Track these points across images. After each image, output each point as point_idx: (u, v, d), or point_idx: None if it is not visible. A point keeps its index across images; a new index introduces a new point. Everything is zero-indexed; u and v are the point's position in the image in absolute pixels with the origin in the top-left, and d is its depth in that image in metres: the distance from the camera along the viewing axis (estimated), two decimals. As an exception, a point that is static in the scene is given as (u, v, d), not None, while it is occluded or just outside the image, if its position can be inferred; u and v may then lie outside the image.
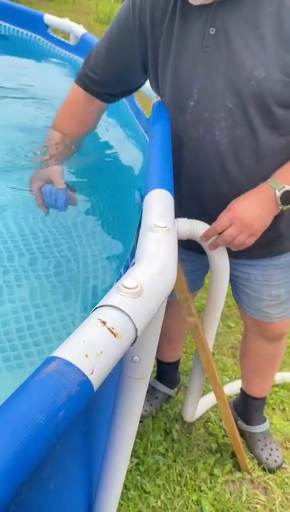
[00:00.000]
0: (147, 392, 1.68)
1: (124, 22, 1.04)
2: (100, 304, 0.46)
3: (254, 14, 0.89)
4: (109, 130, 1.54)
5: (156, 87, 1.09)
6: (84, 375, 0.38)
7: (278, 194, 0.96)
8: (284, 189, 0.96)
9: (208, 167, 1.03)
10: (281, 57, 0.89)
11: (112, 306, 0.45)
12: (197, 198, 1.08)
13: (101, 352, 0.40)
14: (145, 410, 1.60)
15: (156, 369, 1.69)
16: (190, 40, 0.95)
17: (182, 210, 1.03)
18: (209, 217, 1.00)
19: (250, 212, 0.96)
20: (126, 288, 0.47)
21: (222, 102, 0.95)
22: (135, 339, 0.46)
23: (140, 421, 1.58)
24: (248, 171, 1.00)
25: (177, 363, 1.68)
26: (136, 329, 0.45)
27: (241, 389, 1.59)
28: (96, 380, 0.39)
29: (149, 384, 1.67)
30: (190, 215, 1.00)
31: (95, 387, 0.39)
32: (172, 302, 1.08)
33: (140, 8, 1.00)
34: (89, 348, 0.40)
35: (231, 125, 0.96)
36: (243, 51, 0.90)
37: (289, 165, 0.99)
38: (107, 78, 1.13)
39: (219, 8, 0.91)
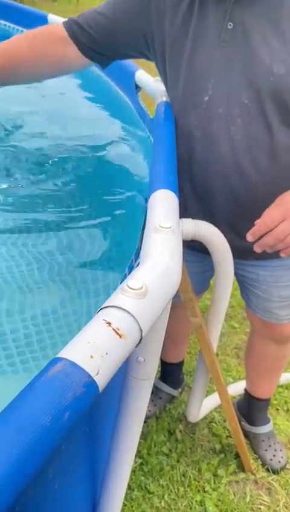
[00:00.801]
0: (151, 392, 1.68)
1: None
2: (105, 304, 0.46)
3: (273, 9, 0.88)
4: (112, 130, 1.55)
5: (164, 78, 1.06)
6: (89, 376, 0.38)
7: None
8: None
9: (221, 163, 0.99)
10: None
11: (117, 307, 0.45)
12: (206, 196, 1.06)
13: (107, 353, 0.40)
14: (149, 411, 1.60)
15: (159, 369, 1.69)
16: (206, 34, 0.94)
17: (187, 211, 1.03)
18: (216, 217, 1.00)
19: None
20: (131, 289, 0.46)
21: (238, 98, 0.93)
22: (140, 340, 0.45)
23: (144, 422, 1.58)
24: (262, 168, 0.97)
25: (181, 363, 1.68)
26: (141, 330, 0.44)
27: (245, 390, 1.59)
28: (101, 381, 0.39)
29: (153, 385, 1.66)
30: (196, 217, 1.00)
31: (101, 388, 0.39)
32: (176, 304, 1.08)
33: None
34: (94, 349, 0.40)
35: (247, 122, 0.94)
36: (262, 46, 0.89)
37: None
38: (100, 35, 1.04)
39: (238, 3, 0.90)
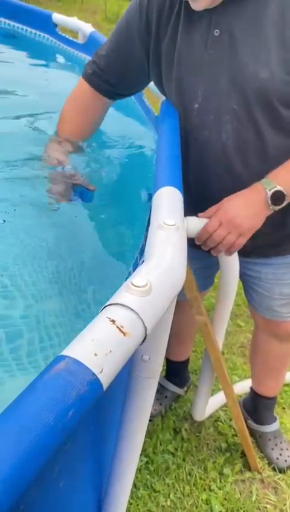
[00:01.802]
0: (157, 391, 1.67)
1: (131, 20, 1.05)
2: (109, 302, 0.45)
3: (257, 14, 0.89)
4: (117, 127, 1.54)
5: (161, 89, 1.10)
6: (93, 374, 0.37)
7: (269, 194, 0.93)
8: (275, 189, 0.93)
9: (215, 168, 1.03)
10: (284, 57, 0.88)
11: (121, 304, 0.44)
12: (205, 198, 1.07)
13: (110, 351, 0.40)
14: (155, 409, 1.60)
15: (165, 368, 1.69)
16: (193, 42, 0.96)
17: (191, 209, 1.02)
18: None
19: (239, 212, 0.93)
20: (135, 286, 0.46)
21: (227, 104, 0.95)
22: (145, 338, 0.45)
23: (149, 420, 1.57)
24: (255, 172, 0.99)
25: (186, 362, 1.68)
26: (145, 328, 0.44)
27: (251, 388, 1.58)
28: (105, 378, 0.39)
29: (158, 383, 1.66)
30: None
31: (104, 386, 0.39)
32: (182, 302, 1.08)
33: (148, 8, 1.01)
34: (98, 347, 0.40)
35: (237, 127, 0.97)
36: (247, 52, 0.90)
37: (285, 165, 0.97)
38: (112, 75, 1.14)
39: (223, 10, 0.91)
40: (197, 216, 0.98)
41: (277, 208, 0.95)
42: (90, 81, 1.17)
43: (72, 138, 1.23)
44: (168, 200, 0.68)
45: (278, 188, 0.93)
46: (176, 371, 1.67)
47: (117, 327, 0.42)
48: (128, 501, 1.33)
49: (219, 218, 0.93)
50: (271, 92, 0.91)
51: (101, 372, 0.38)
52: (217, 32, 0.92)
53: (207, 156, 1.02)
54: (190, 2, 0.91)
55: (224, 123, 0.97)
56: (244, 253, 1.09)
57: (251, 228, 0.95)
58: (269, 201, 0.93)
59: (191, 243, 0.96)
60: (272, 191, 0.93)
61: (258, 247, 1.13)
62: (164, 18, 0.99)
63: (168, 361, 1.66)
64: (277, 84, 0.90)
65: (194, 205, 1.03)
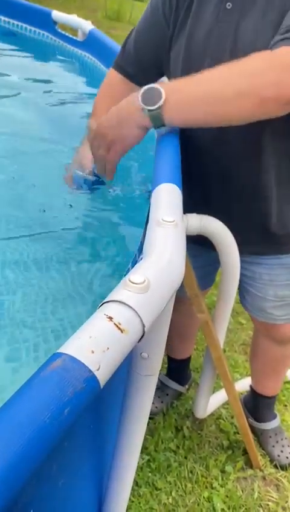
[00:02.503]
0: (158, 389, 1.68)
1: (155, 3, 1.05)
2: (107, 299, 0.45)
3: None
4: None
5: (167, 69, 1.08)
6: (90, 371, 0.37)
7: (141, 91, 0.80)
8: (148, 86, 0.80)
9: (213, 158, 1.01)
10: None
11: (118, 301, 0.44)
12: (205, 190, 1.07)
13: (108, 348, 0.40)
14: (156, 407, 1.60)
15: (166, 366, 1.68)
16: (206, 14, 0.95)
17: (190, 207, 1.02)
18: (217, 210, 0.99)
19: (108, 121, 0.85)
20: (133, 283, 0.46)
21: None
22: (143, 335, 0.45)
23: (151, 418, 1.58)
24: (251, 149, 0.97)
25: (188, 359, 1.67)
26: (143, 325, 0.44)
27: (250, 387, 1.58)
28: (102, 376, 0.38)
29: (160, 381, 1.66)
30: (199, 210, 0.99)
31: (102, 384, 0.38)
32: (183, 299, 1.08)
33: None
34: (95, 344, 0.39)
35: None
36: (250, 26, 0.90)
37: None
38: (142, 60, 1.12)
39: None
40: (207, 211, 0.96)
41: (150, 108, 0.79)
42: (119, 67, 1.15)
43: None
44: (167, 197, 0.68)
45: (154, 85, 0.79)
46: (177, 369, 1.67)
47: (114, 324, 0.42)
48: (130, 499, 1.33)
49: (94, 133, 0.88)
50: None
51: (98, 369, 0.38)
52: (229, 5, 0.92)
53: (208, 141, 1.00)
54: None
55: None
56: (241, 250, 1.08)
57: (118, 137, 0.85)
58: (140, 99, 0.80)
59: (193, 240, 0.96)
60: (146, 87, 0.80)
61: (251, 244, 1.12)
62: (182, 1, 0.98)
63: (170, 359, 1.65)
64: None
65: (194, 204, 1.03)
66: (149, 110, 0.80)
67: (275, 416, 1.56)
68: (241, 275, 1.22)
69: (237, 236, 0.96)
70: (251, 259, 1.18)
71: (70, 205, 1.10)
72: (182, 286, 0.84)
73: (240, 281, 1.25)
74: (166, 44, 1.06)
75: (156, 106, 0.79)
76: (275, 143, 0.99)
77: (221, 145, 1.00)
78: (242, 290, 1.28)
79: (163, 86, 0.80)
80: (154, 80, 1.20)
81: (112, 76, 1.18)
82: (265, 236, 1.11)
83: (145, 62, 1.13)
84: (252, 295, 1.24)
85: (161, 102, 0.79)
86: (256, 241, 1.12)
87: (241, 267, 1.20)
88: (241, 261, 1.17)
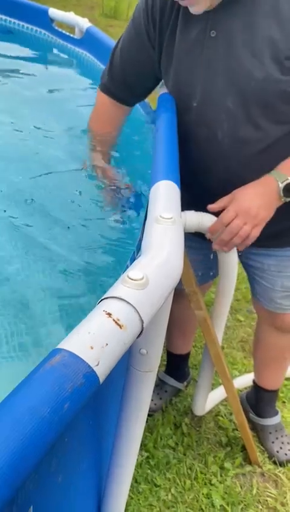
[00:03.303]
0: (157, 386, 1.69)
1: (138, 21, 1.07)
2: (105, 295, 0.45)
3: (252, 15, 0.90)
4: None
5: (167, 86, 1.12)
6: (89, 367, 0.37)
7: (281, 185, 0.95)
8: (287, 181, 0.95)
9: (214, 166, 1.05)
10: (278, 57, 0.90)
11: (117, 298, 0.44)
12: (205, 194, 1.08)
13: (107, 344, 0.40)
14: (155, 404, 1.60)
15: (165, 363, 1.69)
16: (191, 43, 0.97)
17: (191, 207, 1.03)
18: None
19: (253, 202, 0.95)
20: (131, 279, 0.46)
21: (224, 103, 0.97)
22: (141, 331, 0.45)
23: (150, 415, 1.58)
24: (253, 170, 1.00)
25: (187, 355, 1.68)
26: (141, 321, 0.44)
27: (253, 381, 1.59)
28: (101, 371, 0.38)
29: (159, 378, 1.67)
30: (201, 209, 1.00)
31: (101, 379, 0.39)
32: (184, 292, 1.09)
33: (153, 7, 1.02)
34: (94, 340, 0.40)
35: (233, 126, 0.98)
36: (242, 53, 0.92)
37: None
38: (128, 81, 1.16)
39: (219, 11, 0.93)
40: (206, 209, 0.98)
41: (289, 199, 0.97)
42: (108, 91, 1.20)
43: (110, 151, 1.27)
44: (165, 194, 0.68)
45: None
46: (176, 365, 1.68)
47: (113, 320, 0.42)
48: (129, 495, 1.33)
49: (235, 209, 0.95)
50: (267, 91, 0.93)
51: (97, 365, 0.38)
52: (213, 33, 0.94)
53: (206, 154, 1.05)
54: (189, 7, 0.92)
55: (221, 121, 0.99)
56: (251, 244, 1.10)
57: (265, 218, 0.96)
58: (281, 193, 0.96)
59: (194, 233, 0.97)
60: (285, 183, 0.95)
61: (261, 238, 1.13)
62: (165, 16, 1.01)
63: (169, 355, 1.66)
64: (272, 83, 0.91)
65: (195, 203, 1.03)
66: (288, 199, 0.97)
67: (276, 413, 1.57)
68: (250, 266, 1.26)
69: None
70: (260, 251, 1.21)
71: (72, 201, 1.11)
72: (180, 280, 0.84)
73: (250, 272, 1.29)
74: (154, 65, 1.09)
75: None
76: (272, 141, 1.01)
77: (213, 144, 1.03)
78: (252, 281, 1.31)
79: None
80: (143, 97, 1.27)
81: (102, 101, 1.22)
82: (274, 233, 1.13)
83: (135, 86, 1.17)
84: (262, 286, 1.28)
85: None
86: (262, 236, 1.14)
87: (250, 259, 1.24)
88: (250, 253, 1.22)
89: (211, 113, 0.99)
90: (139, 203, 1.09)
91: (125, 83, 1.17)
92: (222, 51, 0.94)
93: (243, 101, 0.95)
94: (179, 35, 0.99)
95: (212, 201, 1.06)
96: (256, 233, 0.97)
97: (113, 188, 1.11)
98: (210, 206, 0.98)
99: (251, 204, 0.95)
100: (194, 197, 1.01)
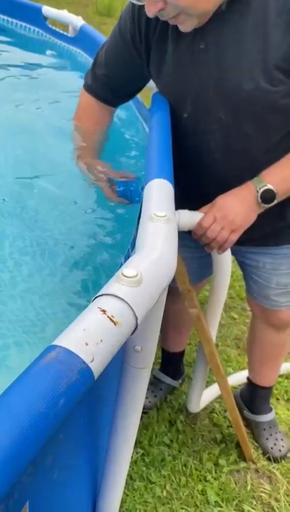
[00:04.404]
0: (152, 383, 1.69)
1: (124, 28, 1.07)
2: (100, 293, 0.46)
3: (240, 27, 0.90)
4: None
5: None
6: (84, 363, 0.38)
7: (259, 192, 0.96)
8: (265, 187, 0.96)
9: (205, 174, 1.07)
10: (267, 68, 0.90)
11: (111, 295, 0.45)
12: (200, 196, 1.09)
13: (101, 341, 0.40)
14: (150, 402, 1.61)
15: (160, 360, 1.70)
16: (180, 55, 0.97)
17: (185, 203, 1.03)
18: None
19: (232, 209, 0.96)
20: (126, 277, 0.46)
21: (215, 114, 0.98)
22: (136, 328, 0.45)
23: (145, 413, 1.58)
24: (245, 179, 1.01)
25: (182, 353, 1.69)
26: (136, 318, 0.44)
27: (247, 378, 1.60)
28: (96, 367, 0.39)
29: (154, 376, 1.67)
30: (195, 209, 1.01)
31: (96, 375, 0.39)
32: (178, 291, 1.09)
33: (139, 17, 1.02)
34: (89, 336, 0.40)
35: (225, 136, 0.99)
36: (231, 64, 0.92)
37: (276, 165, 1.00)
38: (111, 84, 1.16)
39: (209, 23, 0.92)
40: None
41: (268, 206, 0.98)
42: (92, 91, 1.20)
43: (96, 149, 1.25)
44: (158, 192, 0.69)
45: (269, 186, 0.96)
46: (171, 362, 1.68)
47: (108, 317, 0.42)
48: (125, 492, 1.34)
49: (213, 214, 0.96)
50: (257, 102, 0.93)
51: (92, 361, 0.39)
52: (202, 45, 0.94)
53: (197, 163, 1.06)
54: (179, 26, 0.92)
55: (212, 132, 1.00)
56: (239, 241, 1.10)
57: (242, 224, 0.98)
58: (259, 200, 0.96)
59: (188, 231, 0.98)
60: (262, 189, 0.96)
61: (255, 238, 1.15)
62: (151, 28, 1.01)
63: (164, 353, 1.67)
64: (262, 95, 0.92)
65: (188, 203, 1.04)
66: (267, 206, 0.98)
67: (270, 409, 1.58)
68: (246, 264, 1.27)
69: (244, 233, 0.99)
70: (254, 249, 1.22)
71: (75, 202, 1.10)
72: (174, 277, 0.85)
73: (245, 270, 1.31)
74: (140, 71, 1.09)
75: (274, 202, 0.97)
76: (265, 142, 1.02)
77: (205, 154, 1.04)
78: (248, 278, 1.33)
79: (271, 182, 0.96)
80: (127, 99, 1.26)
81: (87, 100, 1.22)
82: (271, 232, 1.14)
83: (118, 89, 1.17)
84: (257, 283, 1.29)
85: (276, 198, 0.97)
86: (262, 236, 1.16)
87: (246, 258, 1.25)
88: (246, 252, 1.23)
89: (202, 124, 1.00)
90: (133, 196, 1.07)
91: (108, 85, 1.17)
92: (211, 62, 0.94)
93: (234, 112, 0.96)
94: (168, 47, 0.99)
95: (205, 203, 1.06)
96: (233, 238, 0.98)
97: (104, 181, 1.09)
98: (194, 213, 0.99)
99: (229, 211, 0.96)
100: (188, 197, 1.02)
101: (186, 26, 0.91)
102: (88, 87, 1.21)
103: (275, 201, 0.98)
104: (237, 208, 0.97)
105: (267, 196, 0.97)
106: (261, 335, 1.44)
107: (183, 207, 0.97)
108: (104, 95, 1.19)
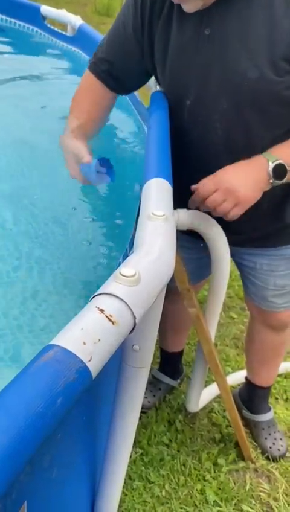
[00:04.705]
0: (151, 383, 1.69)
1: (127, 17, 1.05)
2: (98, 292, 0.46)
3: (247, 15, 0.89)
4: (107, 120, 1.53)
5: (159, 83, 1.11)
6: (82, 362, 0.38)
7: (272, 165, 0.91)
8: (278, 161, 0.91)
9: (205, 166, 1.02)
10: (273, 57, 0.89)
11: (109, 294, 0.45)
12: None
13: (99, 340, 0.40)
14: (149, 402, 1.61)
15: (159, 360, 1.69)
16: (185, 41, 0.96)
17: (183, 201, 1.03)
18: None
19: (237, 179, 0.90)
20: (124, 276, 0.46)
21: (218, 103, 0.96)
22: (134, 327, 0.45)
23: (144, 412, 1.58)
24: (248, 145, 0.98)
25: (181, 353, 1.69)
26: (134, 317, 0.44)
27: (246, 378, 1.60)
28: (94, 367, 0.39)
29: (152, 376, 1.67)
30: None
31: (94, 375, 0.39)
32: (176, 291, 1.09)
33: (142, 4, 1.01)
34: (87, 336, 0.40)
35: (227, 126, 0.97)
36: (237, 52, 0.91)
37: (284, 144, 0.96)
38: (115, 71, 1.13)
39: (214, 9, 0.91)
40: (199, 208, 0.97)
41: (278, 182, 0.92)
42: (97, 73, 1.15)
43: (85, 130, 1.17)
44: (157, 191, 0.69)
45: (281, 161, 0.91)
46: (170, 362, 1.68)
47: (106, 316, 0.42)
48: (124, 492, 1.34)
49: (215, 183, 0.91)
50: (260, 92, 0.91)
51: (90, 360, 0.38)
52: (207, 30, 0.92)
53: (198, 153, 1.03)
54: (182, 5, 0.90)
55: (214, 122, 0.98)
56: (239, 243, 1.10)
57: (248, 200, 0.91)
58: (271, 174, 0.91)
59: (187, 232, 0.97)
60: (276, 163, 0.91)
61: (254, 238, 1.14)
62: (156, 15, 0.99)
63: (163, 352, 1.66)
64: (266, 84, 0.90)
65: (186, 201, 1.04)
66: (277, 182, 0.91)
67: (269, 409, 1.58)
68: (243, 265, 1.27)
69: (241, 232, 0.97)
70: (252, 250, 1.22)
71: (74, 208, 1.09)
72: (173, 278, 0.84)
73: (243, 271, 1.30)
74: (141, 61, 1.07)
75: (283, 180, 0.91)
76: (264, 140, 1.00)
77: (206, 144, 1.02)
78: (245, 280, 1.32)
79: (282, 158, 0.91)
80: (131, 90, 1.22)
81: (90, 80, 1.17)
82: (268, 233, 1.14)
83: (121, 77, 1.13)
84: (255, 285, 1.28)
85: (287, 176, 0.90)
86: (255, 238, 1.15)
87: (243, 259, 1.24)
88: (243, 253, 1.22)
89: (205, 112, 0.98)
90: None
91: (110, 71, 1.13)
92: (216, 49, 0.92)
93: (237, 102, 0.94)
94: (173, 34, 0.97)
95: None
96: (236, 212, 0.91)
97: (73, 160, 1.04)
98: (193, 187, 0.94)
99: (235, 181, 0.89)
100: (187, 195, 1.02)
101: (189, 5, 0.89)
102: (92, 69, 1.17)
103: (285, 180, 0.92)
104: (243, 180, 0.91)
105: (280, 171, 0.91)
106: (260, 336, 1.44)
107: (183, 206, 0.97)
108: (107, 78, 1.15)
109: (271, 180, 0.91)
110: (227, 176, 0.91)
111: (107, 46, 1.12)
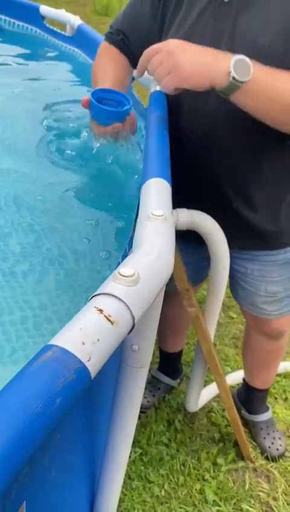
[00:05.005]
0: (150, 383, 1.70)
1: None
2: (97, 292, 0.46)
3: None
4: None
5: None
6: (80, 362, 0.38)
7: (234, 58, 0.78)
8: (245, 59, 0.79)
9: (205, 140, 1.01)
10: (286, 26, 0.87)
11: (108, 294, 0.45)
12: (196, 184, 1.07)
13: (98, 340, 0.40)
14: (148, 401, 1.61)
15: (158, 360, 1.70)
16: (200, 10, 0.95)
17: (181, 199, 1.03)
18: (208, 206, 1.00)
19: (186, 53, 0.81)
20: (123, 276, 0.46)
21: None
22: (133, 327, 0.45)
23: (143, 412, 1.59)
24: (244, 145, 0.98)
25: (180, 353, 1.69)
26: (133, 317, 0.44)
27: (243, 380, 1.60)
28: (93, 367, 0.39)
29: (152, 376, 1.67)
30: (190, 206, 1.00)
31: (92, 375, 0.39)
32: (174, 293, 1.09)
33: None
34: (86, 336, 0.40)
35: (229, 102, 0.91)
36: (250, 20, 0.89)
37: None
38: (132, 44, 1.12)
39: None
40: (198, 207, 0.96)
41: (237, 82, 0.79)
42: (114, 42, 1.15)
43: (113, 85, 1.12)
44: (156, 191, 0.68)
45: (247, 60, 0.79)
46: (169, 363, 1.68)
47: (105, 316, 0.42)
48: (123, 492, 1.34)
49: (161, 46, 0.83)
50: (269, 60, 0.84)
51: (88, 360, 0.38)
52: None
53: (196, 124, 1.01)
54: None
55: (214, 96, 0.90)
56: (233, 245, 1.09)
57: (187, 76, 0.80)
58: (232, 64, 0.78)
59: (185, 236, 0.96)
60: (241, 58, 0.78)
61: (246, 239, 1.14)
62: None
63: (162, 353, 1.67)
64: (276, 52, 0.87)
65: (185, 201, 1.04)
66: (233, 78, 0.78)
67: (267, 409, 1.58)
68: (234, 270, 1.24)
69: (228, 232, 0.97)
70: (243, 255, 1.20)
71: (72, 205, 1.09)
72: (172, 280, 0.84)
73: (233, 276, 1.27)
74: (155, 36, 1.05)
75: (242, 80, 0.78)
76: (265, 141, 1.00)
77: (211, 139, 1.01)
78: (235, 284, 1.30)
79: (253, 65, 0.79)
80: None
81: (108, 48, 1.16)
82: (261, 236, 1.13)
83: (138, 53, 1.03)
84: (245, 290, 1.26)
85: (247, 79, 0.78)
86: (246, 236, 1.14)
87: (234, 263, 1.22)
88: (234, 257, 1.19)
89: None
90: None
91: (125, 41, 1.14)
92: (230, 18, 0.91)
93: None
94: (187, 4, 0.97)
95: (202, 200, 1.05)
96: (168, 81, 0.82)
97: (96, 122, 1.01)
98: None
99: (182, 52, 0.80)
100: (185, 194, 1.02)
101: None
102: (108, 38, 1.17)
103: (246, 80, 0.79)
104: (195, 56, 0.81)
105: (243, 67, 0.78)
106: (255, 343, 1.43)
107: (183, 205, 0.96)
108: (123, 47, 1.14)
109: (230, 71, 0.78)
110: (177, 42, 0.83)
111: (123, 18, 1.13)
